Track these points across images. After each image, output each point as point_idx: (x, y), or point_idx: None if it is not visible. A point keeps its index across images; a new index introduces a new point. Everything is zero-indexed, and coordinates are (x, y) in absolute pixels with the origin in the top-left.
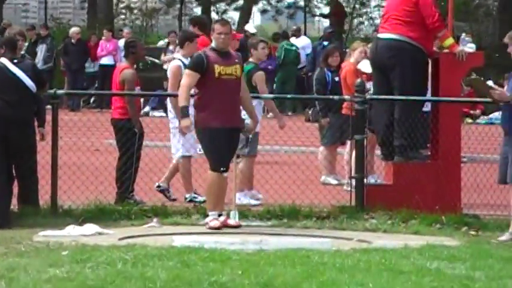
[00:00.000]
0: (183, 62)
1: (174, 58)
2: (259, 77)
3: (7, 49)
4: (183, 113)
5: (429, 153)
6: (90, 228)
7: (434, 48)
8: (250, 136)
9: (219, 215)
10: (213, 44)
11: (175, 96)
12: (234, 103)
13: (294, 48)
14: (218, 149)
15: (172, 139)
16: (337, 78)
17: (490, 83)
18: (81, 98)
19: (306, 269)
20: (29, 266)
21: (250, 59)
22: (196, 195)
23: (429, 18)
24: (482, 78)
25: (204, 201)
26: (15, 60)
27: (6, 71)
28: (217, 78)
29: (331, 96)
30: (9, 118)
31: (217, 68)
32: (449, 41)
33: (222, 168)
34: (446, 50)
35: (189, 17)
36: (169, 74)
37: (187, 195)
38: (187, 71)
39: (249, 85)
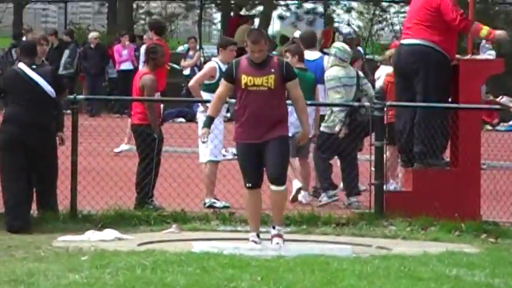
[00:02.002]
0: (219, 66)
1: (211, 60)
2: None
3: (25, 54)
4: (204, 122)
5: (448, 159)
6: (110, 233)
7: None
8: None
9: (257, 235)
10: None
11: (194, 102)
12: (262, 116)
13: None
14: (242, 163)
15: (200, 145)
16: None
17: (503, 99)
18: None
19: (325, 275)
20: (49, 271)
21: None
22: (215, 201)
23: (453, 21)
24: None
25: (223, 207)
26: (34, 66)
27: (24, 77)
28: (243, 89)
29: (351, 103)
30: (28, 124)
31: (244, 79)
32: (485, 29)
33: (247, 185)
34: (468, 56)
35: (209, 22)
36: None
37: (206, 200)
38: (221, 79)
39: None
